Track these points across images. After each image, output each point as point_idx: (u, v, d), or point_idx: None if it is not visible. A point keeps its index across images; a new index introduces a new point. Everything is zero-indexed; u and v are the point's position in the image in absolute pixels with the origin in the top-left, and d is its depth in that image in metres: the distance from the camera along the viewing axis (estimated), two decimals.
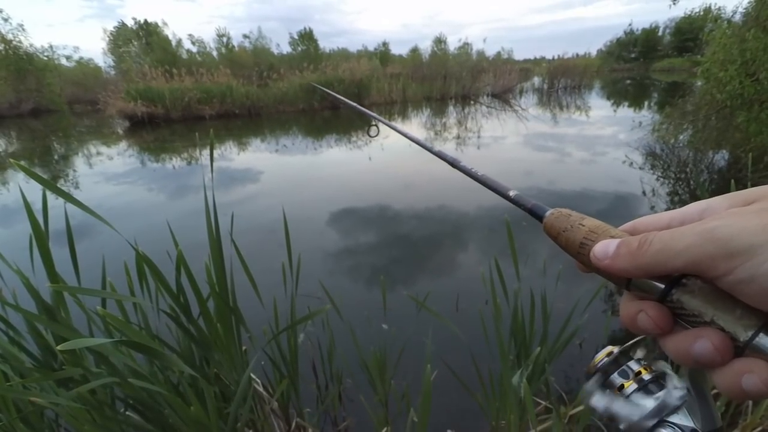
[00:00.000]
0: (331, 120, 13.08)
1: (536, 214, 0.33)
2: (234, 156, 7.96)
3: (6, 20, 19.85)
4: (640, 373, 0.30)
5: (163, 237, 1.29)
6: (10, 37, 19.70)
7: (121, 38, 25.83)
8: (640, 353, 0.32)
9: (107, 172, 6.99)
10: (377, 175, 6.27)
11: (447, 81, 18.22)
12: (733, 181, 1.39)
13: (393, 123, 0.68)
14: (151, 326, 1.21)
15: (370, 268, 3.24)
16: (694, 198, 4.15)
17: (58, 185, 0.93)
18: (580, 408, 1.47)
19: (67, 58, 26.39)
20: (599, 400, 0.31)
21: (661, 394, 0.29)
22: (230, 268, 1.20)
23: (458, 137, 8.99)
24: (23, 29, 20.35)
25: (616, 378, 0.31)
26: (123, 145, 10.27)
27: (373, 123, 1.00)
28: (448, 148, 7.83)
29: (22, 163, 0.89)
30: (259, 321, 1.49)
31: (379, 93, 15.95)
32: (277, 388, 1.42)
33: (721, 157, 5.83)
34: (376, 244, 3.70)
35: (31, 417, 1.01)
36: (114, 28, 26.79)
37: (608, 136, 8.28)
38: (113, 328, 1.03)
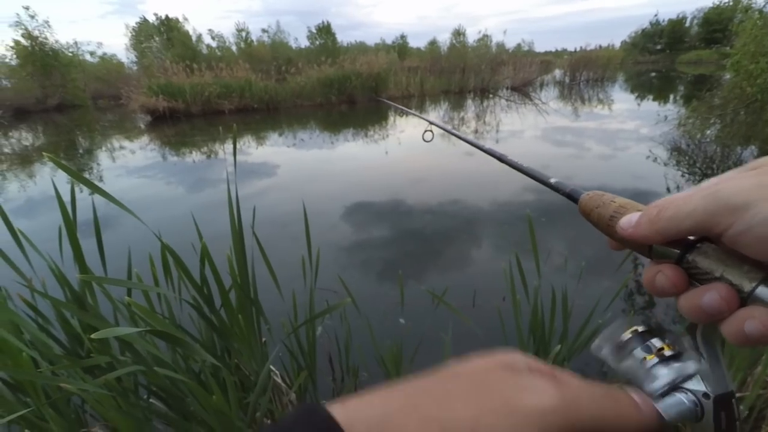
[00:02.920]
0: (348, 114, 13.09)
1: (573, 198, 0.37)
2: (252, 150, 8.05)
3: (32, 17, 20.41)
4: (662, 349, 0.31)
5: (184, 229, 1.31)
6: (36, 33, 20.26)
7: (142, 34, 26.29)
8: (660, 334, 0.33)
9: (129, 166, 7.15)
10: (393, 169, 6.25)
11: (465, 74, 18.02)
12: None
13: (447, 126, 0.74)
14: (175, 316, 1.24)
15: (384, 263, 3.25)
16: None
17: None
18: None
19: (91, 54, 27.08)
20: (607, 353, 0.33)
21: (676, 364, 0.30)
22: (251, 261, 1.22)
23: (476, 131, 8.90)
24: (49, 26, 20.91)
25: (638, 352, 0.32)
26: (145, 139, 10.47)
27: (428, 128, 1.01)
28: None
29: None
30: (276, 313, 1.51)
31: (397, 87, 15.89)
32: (296, 380, 1.43)
33: (749, 153, 5.62)
34: (391, 239, 3.70)
35: (58, 403, 1.04)
36: (136, 23, 27.26)
37: (630, 131, 8.08)
38: (138, 318, 1.06)
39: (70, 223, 0.99)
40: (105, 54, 28.41)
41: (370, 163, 6.75)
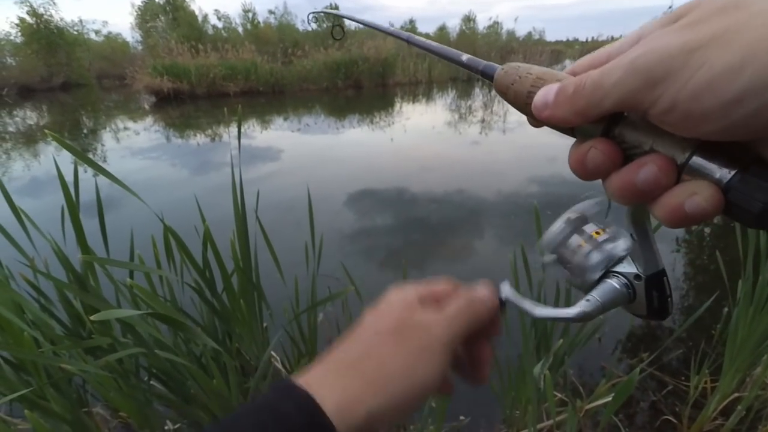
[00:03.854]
0: (354, 100, 12.99)
1: (488, 75, 0.32)
2: (256, 134, 8.01)
3: None
4: (594, 236, 0.31)
5: (187, 212, 1.31)
6: (41, 11, 20.07)
7: (148, 13, 25.91)
8: (596, 219, 0.33)
9: (133, 147, 7.13)
10: (398, 156, 6.21)
11: None
12: None
13: (355, 17, 0.67)
14: (176, 299, 1.24)
15: (387, 251, 3.24)
16: None
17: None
18: (597, 403, 1.46)
19: (96, 32, 26.75)
20: (549, 258, 0.33)
21: (607, 247, 0.30)
22: (254, 245, 1.21)
23: (483, 120, 8.82)
24: (54, 3, 20.71)
25: (573, 240, 0.32)
26: (149, 120, 10.43)
27: (337, 24, 0.88)
28: (473, 131, 7.70)
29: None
30: (278, 298, 1.51)
31: (404, 73, 15.71)
32: (296, 366, 1.44)
33: None
34: (395, 227, 3.70)
35: (60, 383, 1.05)
36: (141, 2, 26.88)
37: None
38: (140, 300, 1.06)
39: (72, 203, 0.98)
40: (110, 33, 28.10)
41: (375, 149, 6.71)
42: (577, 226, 0.32)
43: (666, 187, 0.22)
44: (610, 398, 1.22)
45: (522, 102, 0.28)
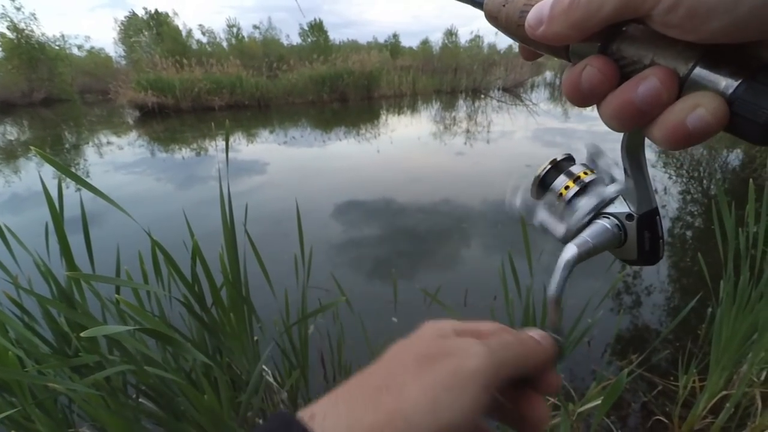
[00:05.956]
0: (340, 112, 13.04)
1: (477, 1, 0.30)
2: (242, 147, 7.97)
3: (18, 9, 19.99)
4: (580, 177, 0.30)
5: (173, 226, 1.30)
6: (22, 26, 19.86)
7: (131, 28, 25.84)
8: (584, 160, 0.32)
9: (117, 162, 7.04)
10: (385, 168, 6.24)
11: (457, 74, 18.05)
12: (751, 180, 1.36)
13: None
14: (165, 314, 1.22)
15: (376, 261, 3.24)
16: (707, 197, 4.03)
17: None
18: (589, 405, 1.47)
19: (79, 47, 26.57)
20: (540, 215, 0.31)
21: (597, 189, 0.29)
22: (243, 258, 1.21)
23: (467, 131, 8.93)
24: (35, 18, 20.53)
25: (559, 182, 0.30)
26: (133, 135, 10.32)
27: None
28: (458, 142, 7.79)
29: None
30: (269, 311, 1.50)
31: (389, 85, 15.86)
32: (288, 379, 1.42)
33: (735, 156, 5.74)
34: (383, 237, 3.70)
35: (46, 403, 1.02)
36: (125, 17, 26.83)
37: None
38: (128, 316, 1.04)
39: (57, 218, 0.97)
40: (93, 48, 27.96)
41: (362, 161, 6.74)
42: (563, 167, 0.31)
43: (667, 103, 0.20)
44: (600, 401, 1.23)
45: (514, 25, 0.26)
